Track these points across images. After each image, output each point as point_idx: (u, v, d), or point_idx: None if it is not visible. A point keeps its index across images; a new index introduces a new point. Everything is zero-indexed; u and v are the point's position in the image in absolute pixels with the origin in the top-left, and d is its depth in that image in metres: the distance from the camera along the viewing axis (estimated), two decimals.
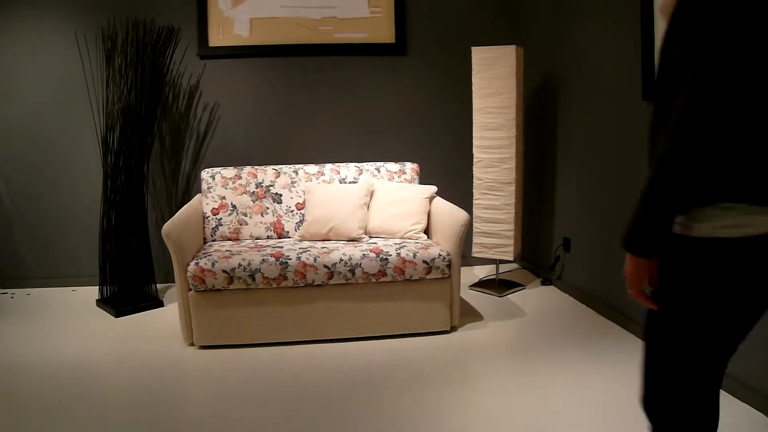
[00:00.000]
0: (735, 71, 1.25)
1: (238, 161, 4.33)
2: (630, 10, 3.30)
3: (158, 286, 4.37)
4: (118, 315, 3.78)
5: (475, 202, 4.21)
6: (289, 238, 3.88)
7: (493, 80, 4.03)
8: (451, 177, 4.67)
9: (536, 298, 4.12)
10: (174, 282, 4.40)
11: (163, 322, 3.73)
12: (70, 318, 3.81)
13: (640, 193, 1.35)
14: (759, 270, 1.33)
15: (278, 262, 3.32)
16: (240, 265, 3.29)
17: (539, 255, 4.60)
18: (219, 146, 4.38)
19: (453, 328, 3.56)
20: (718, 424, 1.48)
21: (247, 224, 3.86)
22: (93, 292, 4.29)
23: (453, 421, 2.52)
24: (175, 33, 3.92)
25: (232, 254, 3.36)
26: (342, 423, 2.52)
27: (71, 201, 4.31)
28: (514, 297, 4.14)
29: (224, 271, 3.27)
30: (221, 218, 3.84)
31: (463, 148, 4.67)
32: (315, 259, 3.36)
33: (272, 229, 3.88)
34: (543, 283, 4.40)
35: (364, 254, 3.40)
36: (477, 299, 4.09)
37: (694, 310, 1.38)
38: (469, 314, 3.81)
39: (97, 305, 3.97)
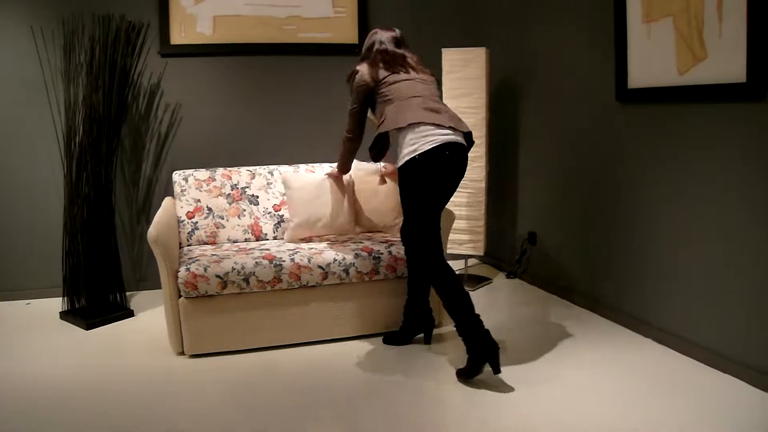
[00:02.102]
0: None
1: (202, 163, 4.16)
2: (604, 10, 3.50)
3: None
4: (89, 327, 3.54)
5: None
6: (268, 240, 3.80)
7: (465, 81, 4.13)
8: None
9: (506, 290, 4.27)
10: (139, 290, 4.23)
11: (142, 333, 3.54)
12: (34, 333, 3.52)
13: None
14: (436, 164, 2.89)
15: (272, 265, 3.24)
16: (233, 269, 3.18)
17: (502, 250, 4.76)
18: (181, 148, 4.20)
19: (440, 323, 3.63)
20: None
21: (224, 227, 3.73)
22: (52, 304, 3.97)
23: (458, 412, 2.59)
24: (143, 29, 3.72)
25: (221, 258, 3.25)
26: (347, 425, 2.51)
27: (24, 208, 3.99)
28: (485, 290, 4.26)
29: (218, 276, 3.15)
30: (197, 222, 3.69)
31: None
32: (309, 260, 3.31)
33: (250, 231, 3.77)
34: (508, 277, 4.55)
35: (357, 254, 3.40)
36: None
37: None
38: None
39: (62, 318, 3.69)
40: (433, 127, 2.91)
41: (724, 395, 2.65)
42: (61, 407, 2.65)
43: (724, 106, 2.83)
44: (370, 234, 3.90)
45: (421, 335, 3.39)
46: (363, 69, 3.16)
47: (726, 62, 2.76)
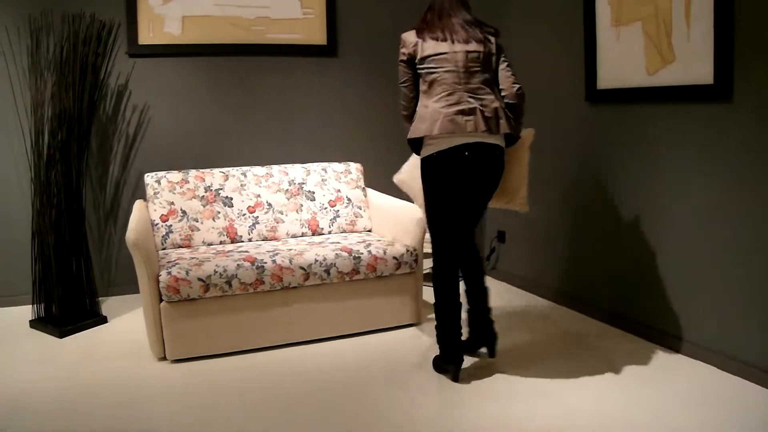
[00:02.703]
0: None
1: (171, 165, 4.09)
2: (574, 13, 3.63)
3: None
4: (62, 335, 3.44)
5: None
6: (243, 242, 3.77)
7: None
8: (391, 175, 4.76)
9: None
10: (108, 296, 4.12)
11: (119, 339, 3.47)
12: (4, 344, 3.38)
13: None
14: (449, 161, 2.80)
15: (254, 267, 3.23)
16: (216, 271, 3.16)
17: None
18: (150, 149, 4.12)
19: (419, 321, 3.68)
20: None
21: (198, 230, 3.68)
22: (21, 312, 3.82)
23: (440, 409, 2.66)
24: (114, 28, 3.63)
25: (202, 261, 3.21)
26: (331, 426, 2.54)
27: None
28: None
29: (200, 279, 3.12)
30: (171, 225, 3.63)
31: (404, 146, 4.75)
32: (291, 261, 3.31)
33: (225, 234, 3.74)
34: None
35: (337, 254, 3.41)
36: (426, 292, 4.23)
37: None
38: (426, 306, 3.94)
39: (33, 327, 3.56)
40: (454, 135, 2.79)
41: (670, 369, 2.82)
42: (41, 419, 2.58)
43: (692, 106, 2.98)
44: (345, 234, 3.94)
45: (484, 349, 3.19)
46: (406, 35, 2.97)
47: (694, 65, 2.92)
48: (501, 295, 4.15)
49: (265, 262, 3.27)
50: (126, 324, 3.70)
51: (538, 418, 2.53)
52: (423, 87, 2.90)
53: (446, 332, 2.92)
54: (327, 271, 3.38)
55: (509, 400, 2.69)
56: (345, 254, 3.43)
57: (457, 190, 2.86)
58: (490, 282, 4.41)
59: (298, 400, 2.75)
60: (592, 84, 3.52)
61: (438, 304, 2.95)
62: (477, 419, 2.54)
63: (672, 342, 3.15)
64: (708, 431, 2.39)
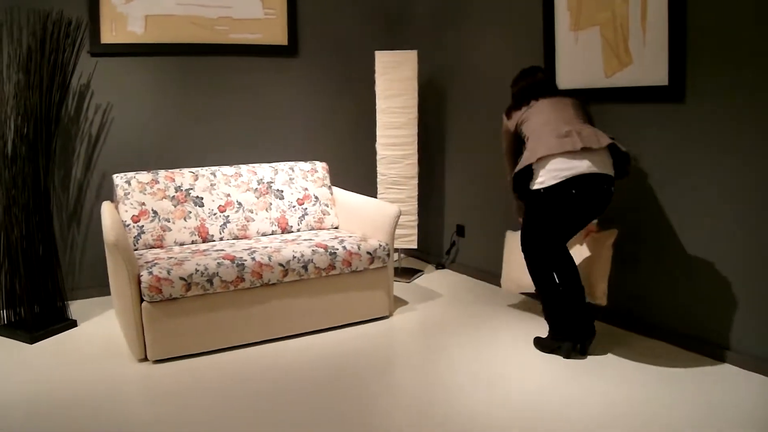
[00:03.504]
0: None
1: (135, 165, 4.05)
2: (533, 17, 3.83)
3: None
4: (33, 341, 3.36)
5: (379, 196, 4.46)
6: (215, 241, 3.78)
7: (397, 83, 4.32)
8: (354, 174, 4.88)
9: (439, 280, 4.51)
10: (74, 299, 4.03)
11: (94, 342, 3.42)
12: None
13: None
14: (556, 197, 2.98)
15: (234, 264, 3.26)
16: (197, 270, 3.17)
17: (428, 243, 5.00)
18: (113, 150, 4.05)
19: (391, 314, 3.80)
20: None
21: (170, 230, 3.67)
22: None
23: (423, 398, 2.80)
24: (82, 26, 3.56)
25: (181, 261, 3.22)
26: (312, 418, 2.61)
27: None
28: (420, 281, 4.48)
29: (182, 278, 3.13)
30: (143, 225, 3.61)
31: (365, 146, 4.91)
32: (270, 258, 3.36)
33: (197, 233, 3.74)
34: (437, 268, 4.81)
35: (313, 250, 3.49)
36: (396, 287, 4.35)
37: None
38: (397, 301, 4.07)
39: (0, 333, 3.46)
40: (564, 159, 2.93)
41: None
42: (22, 427, 2.52)
43: (648, 106, 3.22)
44: (315, 231, 4.01)
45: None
46: (505, 120, 3.29)
47: (650, 67, 3.16)
48: (461, 285, 4.34)
49: (245, 260, 3.31)
50: (97, 327, 3.64)
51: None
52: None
53: (557, 312, 3.11)
54: (305, 267, 3.45)
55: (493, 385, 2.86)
56: (321, 250, 3.51)
57: (563, 222, 3.08)
58: (451, 274, 4.66)
59: (283, 395, 2.81)
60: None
61: (544, 290, 3.13)
62: (468, 403, 2.69)
63: (621, 322, 3.40)
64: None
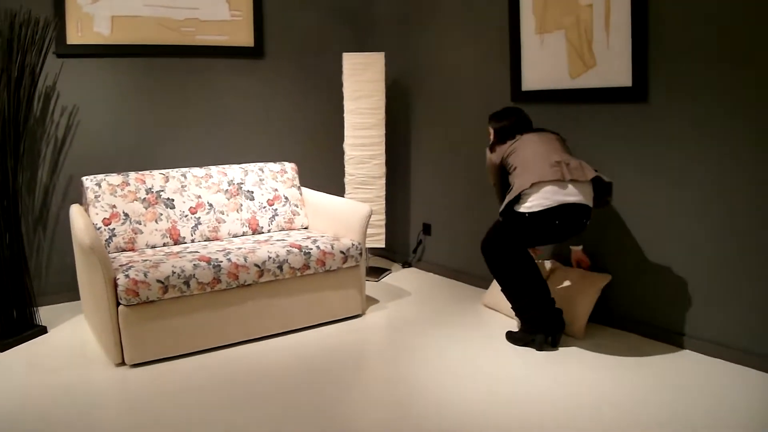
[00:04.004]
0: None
1: (101, 168, 3.99)
2: (500, 20, 3.94)
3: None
4: (3, 349, 3.28)
5: (347, 196, 4.51)
6: (186, 243, 3.76)
7: (364, 84, 4.38)
8: (322, 174, 4.91)
9: (407, 279, 4.59)
10: (39, 305, 3.94)
11: (67, 348, 3.36)
12: None
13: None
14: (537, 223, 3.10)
15: (211, 266, 3.27)
16: (174, 272, 3.16)
17: (395, 242, 5.07)
18: (80, 153, 3.98)
19: (363, 312, 3.86)
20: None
21: (142, 233, 3.64)
22: None
23: (398, 393, 2.88)
24: (50, 26, 3.48)
25: (157, 263, 3.20)
26: (291, 416, 2.66)
27: None
28: (389, 280, 4.55)
29: (159, 281, 3.11)
30: (114, 228, 3.57)
31: (333, 146, 4.94)
32: (245, 259, 3.37)
33: (168, 235, 3.72)
34: (404, 266, 4.88)
35: (288, 250, 3.51)
36: (368, 286, 4.39)
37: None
38: (369, 300, 4.13)
39: None
40: (554, 187, 3.06)
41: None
42: None
43: (613, 106, 3.37)
44: (286, 232, 4.03)
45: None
46: (489, 154, 3.41)
47: (613, 69, 3.30)
48: (436, 285, 4.43)
49: (221, 261, 3.32)
50: (68, 332, 3.59)
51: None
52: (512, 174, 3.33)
53: (527, 307, 3.25)
54: (280, 267, 3.47)
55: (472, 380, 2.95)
56: (296, 250, 3.54)
57: (538, 242, 3.29)
58: (418, 272, 4.74)
59: (262, 395, 2.83)
60: (517, 85, 3.85)
61: (510, 286, 3.28)
62: (443, 395, 2.77)
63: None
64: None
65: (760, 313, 2.91)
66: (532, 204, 3.08)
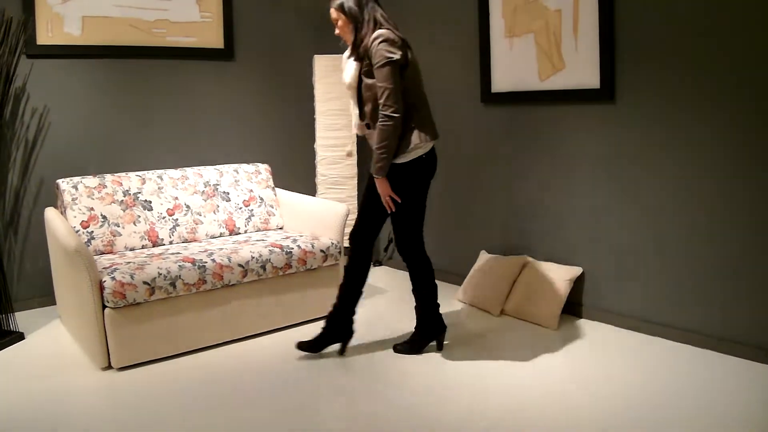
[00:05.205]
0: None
1: (73, 170, 3.92)
2: (469, 23, 4.06)
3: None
4: None
5: (320, 196, 4.57)
6: (165, 245, 3.75)
7: (336, 86, 4.44)
8: (293, 175, 4.92)
9: (380, 277, 4.68)
10: (16, 311, 3.74)
11: (48, 353, 3.33)
12: None
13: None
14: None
15: (196, 267, 3.28)
16: (160, 273, 3.17)
17: None
18: (51, 155, 3.92)
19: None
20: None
21: (120, 235, 3.62)
22: None
23: (384, 387, 2.98)
24: (21, 26, 3.42)
25: (142, 265, 3.20)
26: (279, 416, 2.70)
27: None
28: None
29: (145, 283, 3.12)
30: (93, 231, 3.53)
31: (304, 147, 4.96)
32: (229, 260, 3.40)
33: (147, 237, 3.70)
34: (375, 265, 4.96)
35: (270, 249, 3.56)
36: None
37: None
38: None
39: None
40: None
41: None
42: None
43: (581, 106, 3.55)
44: (263, 232, 4.06)
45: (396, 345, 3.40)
46: (390, 36, 2.94)
47: (582, 71, 3.48)
48: (401, 281, 4.46)
49: (206, 262, 3.34)
50: (47, 338, 3.54)
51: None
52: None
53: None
54: (263, 267, 3.51)
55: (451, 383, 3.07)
56: (277, 250, 3.59)
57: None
58: (391, 272, 4.82)
59: (250, 394, 2.88)
60: (487, 87, 3.99)
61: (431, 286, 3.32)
62: (421, 387, 2.88)
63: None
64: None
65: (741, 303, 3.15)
66: (422, 143, 3.06)
